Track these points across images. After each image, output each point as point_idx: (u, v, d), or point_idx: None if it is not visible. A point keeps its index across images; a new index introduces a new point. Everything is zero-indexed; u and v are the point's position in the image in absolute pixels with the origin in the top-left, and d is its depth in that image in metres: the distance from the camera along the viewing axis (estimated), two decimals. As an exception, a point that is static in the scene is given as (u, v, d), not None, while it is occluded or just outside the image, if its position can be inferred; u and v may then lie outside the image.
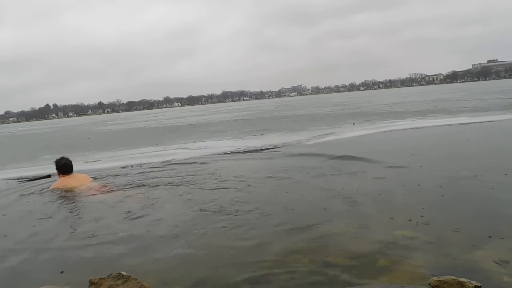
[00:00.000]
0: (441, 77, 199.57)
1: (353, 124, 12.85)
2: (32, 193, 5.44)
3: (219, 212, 3.75)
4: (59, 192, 5.31)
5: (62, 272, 2.66)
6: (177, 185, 5.11)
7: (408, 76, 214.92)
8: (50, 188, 5.51)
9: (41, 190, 5.55)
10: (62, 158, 5.62)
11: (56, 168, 5.61)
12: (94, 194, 5.09)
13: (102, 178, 6.13)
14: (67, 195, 5.17)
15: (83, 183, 5.47)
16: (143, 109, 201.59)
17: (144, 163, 7.33)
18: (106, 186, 5.50)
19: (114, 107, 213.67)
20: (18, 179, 6.67)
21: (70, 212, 4.37)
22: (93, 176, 6.21)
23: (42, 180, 6.40)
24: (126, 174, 6.31)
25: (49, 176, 6.46)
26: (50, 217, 4.08)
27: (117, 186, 5.36)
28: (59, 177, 5.60)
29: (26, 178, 6.63)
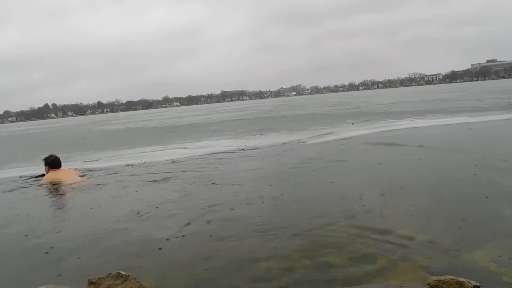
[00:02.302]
0: (440, 77, 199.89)
1: (352, 124, 12.86)
2: (23, 187, 5.47)
3: (219, 210, 3.75)
4: (49, 188, 5.57)
5: (59, 274, 2.65)
6: (176, 184, 5.11)
7: (408, 76, 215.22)
8: (40, 183, 5.82)
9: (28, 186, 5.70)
10: (51, 155, 6.11)
11: (46, 164, 6.11)
12: (83, 189, 5.31)
13: (99, 176, 6.14)
14: (58, 191, 5.36)
15: (69, 178, 5.84)
16: (142, 109, 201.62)
17: (144, 162, 7.32)
18: (92, 181, 5.77)
19: (113, 107, 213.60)
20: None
21: (64, 209, 4.37)
22: (84, 174, 6.35)
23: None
24: (127, 172, 6.31)
25: (43, 175, 6.50)
26: (41, 214, 4.08)
27: (116, 182, 5.37)
28: (47, 172, 6.05)
29: (25, 177, 6.62)
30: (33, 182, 6.09)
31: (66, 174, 5.98)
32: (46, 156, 6.20)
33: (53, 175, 5.93)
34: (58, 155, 6.26)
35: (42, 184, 5.80)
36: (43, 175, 6.45)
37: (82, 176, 6.23)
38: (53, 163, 6.04)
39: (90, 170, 6.80)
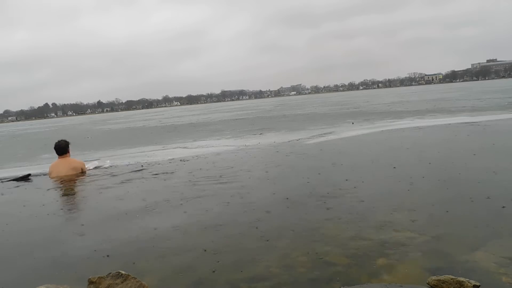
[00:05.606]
0: (441, 77, 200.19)
1: (352, 123, 12.86)
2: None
3: (219, 210, 3.75)
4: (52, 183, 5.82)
5: (60, 271, 2.65)
6: (173, 184, 5.10)
7: (408, 76, 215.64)
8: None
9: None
10: (57, 141, 6.42)
11: None
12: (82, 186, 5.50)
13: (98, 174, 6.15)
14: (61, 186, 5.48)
15: (62, 170, 6.21)
16: (142, 108, 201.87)
17: (146, 162, 7.32)
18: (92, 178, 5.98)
19: (113, 106, 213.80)
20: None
21: (62, 207, 4.37)
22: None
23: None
24: (129, 171, 6.31)
25: (29, 175, 6.50)
26: (39, 213, 4.08)
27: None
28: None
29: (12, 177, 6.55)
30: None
31: (60, 167, 6.26)
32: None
33: (51, 168, 6.33)
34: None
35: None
36: (29, 175, 6.52)
37: (88, 168, 6.63)
38: (55, 149, 6.38)
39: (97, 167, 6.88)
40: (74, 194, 5.24)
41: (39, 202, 4.73)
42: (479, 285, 1.94)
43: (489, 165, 4.88)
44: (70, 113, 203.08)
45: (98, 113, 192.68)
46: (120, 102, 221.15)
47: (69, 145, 6.48)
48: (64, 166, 6.25)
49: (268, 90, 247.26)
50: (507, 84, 51.50)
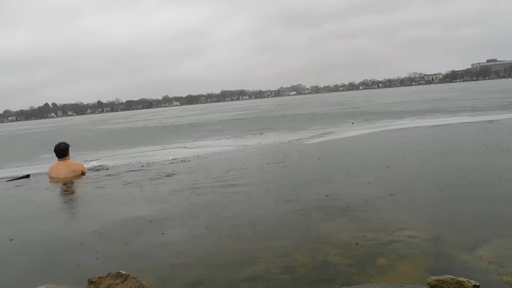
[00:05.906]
0: (441, 77, 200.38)
1: (352, 123, 12.86)
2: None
3: (219, 210, 3.75)
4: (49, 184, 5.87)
5: (60, 271, 2.65)
6: (174, 184, 5.10)
7: (408, 76, 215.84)
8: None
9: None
10: (57, 144, 6.46)
11: None
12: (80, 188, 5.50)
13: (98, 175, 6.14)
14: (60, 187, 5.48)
15: (61, 173, 6.21)
16: (142, 108, 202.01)
17: (146, 162, 7.31)
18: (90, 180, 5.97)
19: (113, 106, 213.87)
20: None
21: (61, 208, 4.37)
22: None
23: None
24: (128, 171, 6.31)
25: (28, 176, 6.50)
26: (37, 213, 4.08)
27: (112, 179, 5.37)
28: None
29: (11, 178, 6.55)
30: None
31: (60, 169, 6.27)
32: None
33: (50, 169, 6.38)
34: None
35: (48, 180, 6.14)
36: (28, 175, 6.53)
37: (87, 170, 6.60)
38: (55, 152, 6.40)
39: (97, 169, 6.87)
40: (74, 195, 5.24)
41: (38, 203, 4.73)
42: (479, 285, 1.94)
43: (489, 164, 4.89)
44: (70, 113, 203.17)
45: (98, 113, 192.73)
46: (120, 102, 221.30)
47: (69, 148, 6.46)
48: (63, 168, 6.23)
49: (268, 90, 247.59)
50: (507, 84, 51.50)
